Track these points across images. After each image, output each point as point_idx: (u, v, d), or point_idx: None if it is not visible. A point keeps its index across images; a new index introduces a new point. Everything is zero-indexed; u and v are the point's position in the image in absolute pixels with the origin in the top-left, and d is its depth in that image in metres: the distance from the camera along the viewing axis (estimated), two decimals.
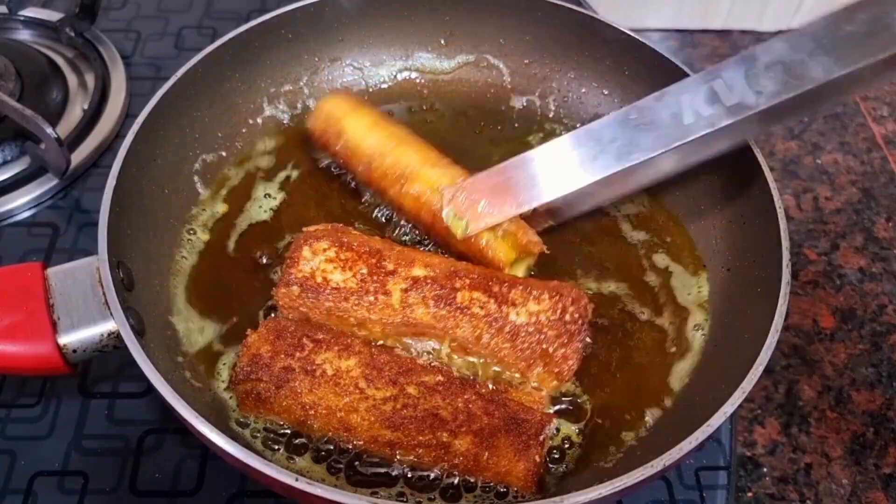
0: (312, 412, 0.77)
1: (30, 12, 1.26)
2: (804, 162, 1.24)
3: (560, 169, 0.89)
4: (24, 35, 1.26)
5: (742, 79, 0.81)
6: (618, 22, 1.03)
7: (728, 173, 0.95)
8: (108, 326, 0.74)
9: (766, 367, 0.72)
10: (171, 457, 0.83)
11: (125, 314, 0.72)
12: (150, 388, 0.70)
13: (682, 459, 0.67)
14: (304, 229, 0.91)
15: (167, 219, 0.93)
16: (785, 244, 0.82)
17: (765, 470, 0.91)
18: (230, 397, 0.82)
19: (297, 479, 0.63)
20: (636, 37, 1.02)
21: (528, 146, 1.07)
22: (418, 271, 0.85)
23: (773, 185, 0.86)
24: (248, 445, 0.75)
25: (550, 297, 0.83)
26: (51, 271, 0.77)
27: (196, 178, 0.98)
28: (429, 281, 0.84)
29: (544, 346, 0.81)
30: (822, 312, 1.05)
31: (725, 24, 1.50)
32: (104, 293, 0.73)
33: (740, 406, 0.71)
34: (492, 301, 0.83)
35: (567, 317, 0.82)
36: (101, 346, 0.75)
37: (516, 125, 1.11)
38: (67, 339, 0.74)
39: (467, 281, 0.84)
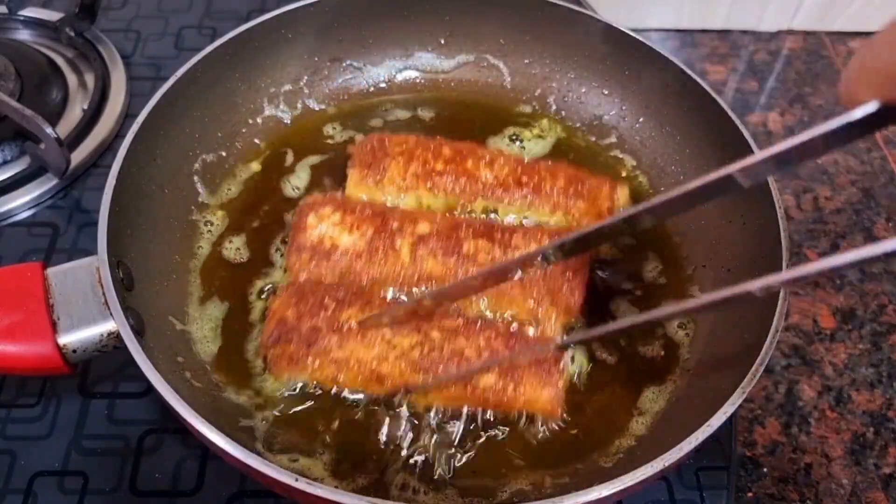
0: (344, 367, 0.80)
1: (30, 12, 1.26)
2: (804, 162, 1.24)
3: None
4: (23, 35, 1.26)
5: None
6: (618, 22, 1.03)
7: None
8: (108, 326, 0.74)
9: (766, 367, 0.72)
10: (171, 457, 0.83)
11: (125, 314, 0.72)
12: (150, 388, 0.70)
13: (682, 460, 0.67)
14: (304, 199, 0.93)
15: (167, 219, 0.93)
16: (785, 244, 0.81)
17: (765, 470, 0.91)
18: (231, 397, 0.82)
19: (297, 480, 0.63)
20: (636, 37, 1.02)
21: (528, 146, 1.08)
22: (423, 228, 0.88)
23: (773, 185, 0.86)
24: (248, 446, 0.75)
25: (550, 239, 0.87)
26: (51, 271, 0.77)
27: (196, 178, 0.98)
28: (434, 235, 0.88)
29: (551, 284, 0.85)
30: (822, 312, 1.05)
31: (725, 24, 1.50)
32: (104, 293, 0.73)
33: (740, 406, 0.71)
34: (496, 247, 0.87)
35: None
36: (100, 346, 0.75)
37: (516, 125, 1.11)
38: (67, 339, 0.74)
39: (470, 231, 0.88)
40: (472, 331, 0.82)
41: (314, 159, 1.05)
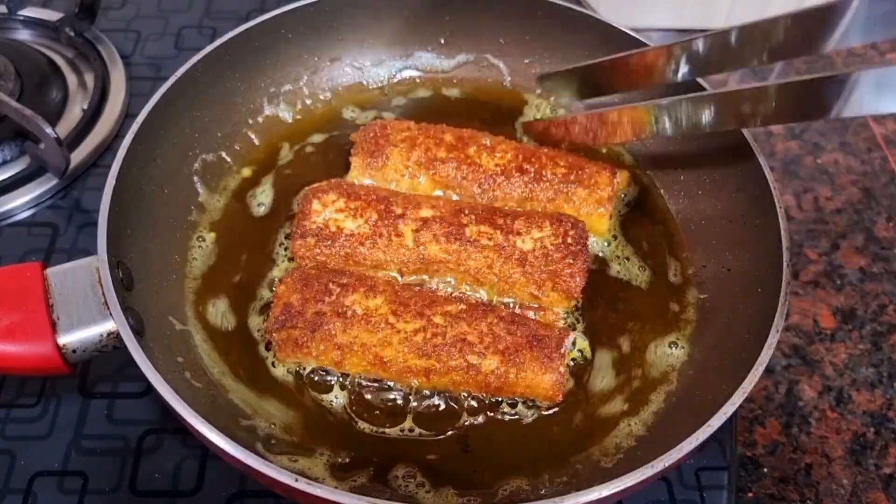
0: (348, 351, 0.81)
1: (29, 12, 1.26)
2: (804, 162, 1.24)
3: None
4: (23, 35, 1.26)
5: None
6: (618, 22, 1.03)
7: (728, 173, 0.95)
8: (108, 326, 0.74)
9: (767, 367, 0.72)
10: (170, 457, 0.83)
11: (125, 314, 0.72)
12: (150, 388, 0.70)
13: (682, 460, 0.67)
14: (308, 187, 0.94)
15: (167, 219, 0.93)
16: (785, 244, 0.81)
17: (765, 470, 0.91)
18: (232, 395, 0.82)
19: (296, 480, 0.63)
20: (636, 37, 1.02)
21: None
22: (426, 212, 0.90)
23: (773, 185, 0.86)
24: (248, 446, 0.75)
25: (551, 224, 0.90)
26: (50, 271, 0.77)
27: (196, 178, 0.98)
28: (437, 220, 0.89)
29: (552, 267, 0.87)
30: (822, 312, 1.05)
31: (725, 24, 1.50)
32: (104, 293, 0.73)
33: (740, 406, 0.71)
34: (498, 232, 0.89)
35: (569, 239, 0.89)
36: (100, 346, 0.75)
37: (516, 125, 1.11)
38: (67, 339, 0.74)
39: (473, 216, 0.90)
40: (474, 316, 0.83)
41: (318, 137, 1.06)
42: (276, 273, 0.93)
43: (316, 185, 0.94)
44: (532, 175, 0.96)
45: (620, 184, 0.98)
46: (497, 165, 0.96)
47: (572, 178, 0.96)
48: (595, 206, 0.95)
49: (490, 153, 0.97)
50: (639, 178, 1.04)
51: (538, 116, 1.11)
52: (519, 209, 0.94)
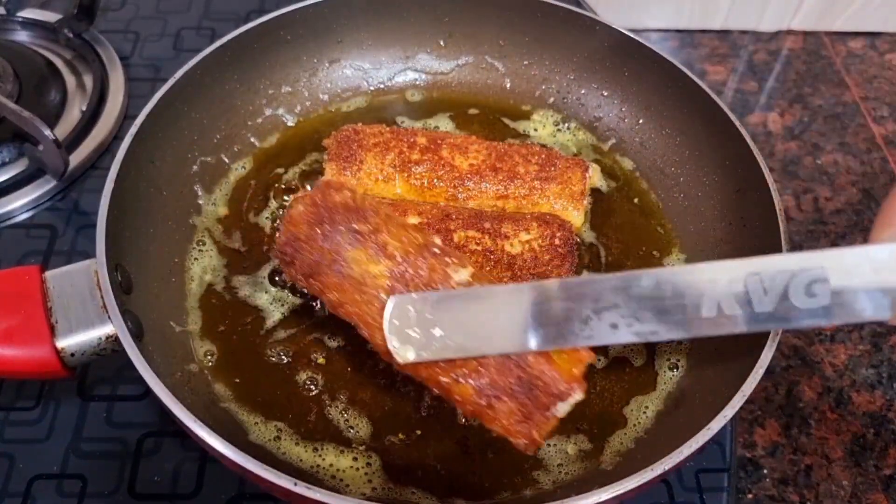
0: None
1: (28, 13, 1.26)
2: (804, 162, 1.24)
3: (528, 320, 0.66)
4: (22, 36, 1.26)
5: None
6: (617, 22, 1.03)
7: (728, 174, 0.94)
8: (107, 330, 0.74)
9: (766, 369, 0.72)
10: (169, 460, 0.83)
11: (123, 317, 0.72)
12: (149, 391, 0.70)
13: (682, 463, 0.67)
14: (294, 196, 0.92)
15: (166, 221, 0.92)
16: (785, 245, 0.81)
17: (765, 471, 0.91)
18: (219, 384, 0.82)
19: (295, 484, 0.63)
20: (636, 37, 1.02)
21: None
22: (413, 219, 0.89)
23: (772, 185, 0.86)
24: (246, 445, 0.75)
25: (539, 226, 0.89)
26: (49, 274, 0.77)
27: (195, 180, 0.98)
28: (424, 226, 0.88)
29: (541, 269, 0.87)
30: None
31: (725, 24, 1.50)
32: (102, 296, 0.73)
33: (740, 408, 0.71)
34: (486, 237, 0.88)
35: (556, 241, 0.88)
36: (99, 349, 0.75)
37: (516, 126, 1.11)
38: (65, 342, 0.74)
39: (459, 222, 0.89)
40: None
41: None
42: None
43: (302, 193, 0.93)
44: (506, 173, 0.96)
45: (592, 178, 0.98)
46: (471, 165, 0.96)
47: (545, 174, 0.96)
48: (569, 200, 0.95)
49: (463, 154, 0.97)
50: (638, 180, 1.05)
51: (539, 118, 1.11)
52: (505, 212, 0.94)
